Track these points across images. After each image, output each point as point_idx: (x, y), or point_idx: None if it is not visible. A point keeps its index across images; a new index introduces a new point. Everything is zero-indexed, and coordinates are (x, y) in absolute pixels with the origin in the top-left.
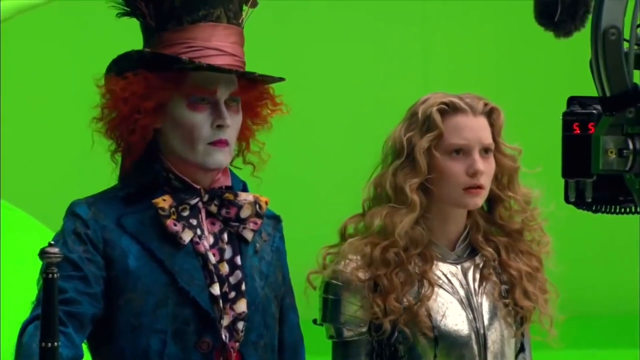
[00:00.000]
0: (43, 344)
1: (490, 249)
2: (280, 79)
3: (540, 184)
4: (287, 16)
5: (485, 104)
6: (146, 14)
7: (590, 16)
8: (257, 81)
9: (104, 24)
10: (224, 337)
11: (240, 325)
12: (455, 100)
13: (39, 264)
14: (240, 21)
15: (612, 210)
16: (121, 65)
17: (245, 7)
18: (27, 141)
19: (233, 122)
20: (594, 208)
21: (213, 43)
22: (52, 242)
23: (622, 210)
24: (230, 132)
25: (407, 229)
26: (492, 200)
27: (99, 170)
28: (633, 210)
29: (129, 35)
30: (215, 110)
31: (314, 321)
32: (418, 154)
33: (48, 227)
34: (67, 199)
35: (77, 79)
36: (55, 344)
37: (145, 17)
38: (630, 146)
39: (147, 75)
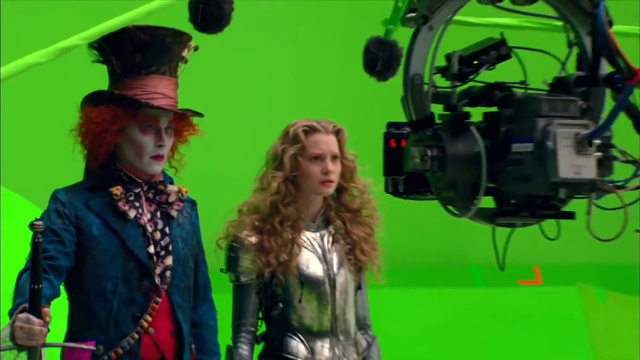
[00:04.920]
0: (32, 286)
1: (339, 221)
2: (199, 114)
3: (373, 177)
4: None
5: (334, 126)
6: (115, 64)
7: (400, 67)
8: (185, 116)
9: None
10: (157, 281)
11: (168, 273)
12: (315, 124)
13: (16, 234)
14: (177, 74)
15: (417, 198)
16: (95, 98)
17: (180, 65)
18: (27, 137)
19: (168, 142)
20: (405, 196)
21: (159, 90)
22: (39, 218)
23: (424, 197)
24: (166, 149)
25: (270, 206)
26: (340, 189)
27: (78, 164)
28: (430, 197)
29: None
30: (158, 134)
31: (221, 270)
32: (285, 159)
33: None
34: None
35: (73, 83)
36: (40, 286)
37: (113, 67)
38: (429, 154)
39: (114, 108)
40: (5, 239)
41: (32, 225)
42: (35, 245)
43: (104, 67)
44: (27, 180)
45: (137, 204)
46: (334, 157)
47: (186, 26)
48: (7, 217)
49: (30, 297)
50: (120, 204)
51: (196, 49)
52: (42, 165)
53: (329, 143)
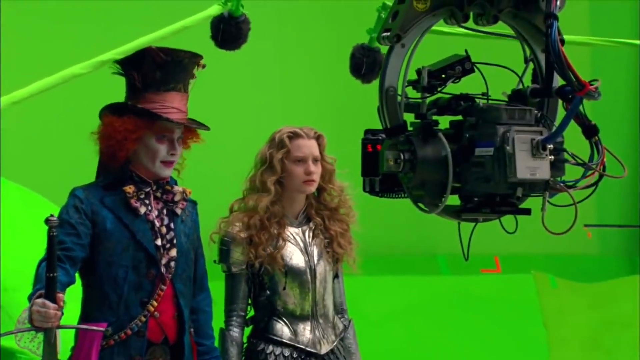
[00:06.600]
0: (48, 274)
1: (319, 218)
2: (207, 128)
3: (351, 179)
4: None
5: (315, 132)
6: (136, 79)
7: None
8: (192, 127)
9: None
10: (162, 270)
11: (172, 264)
12: (298, 130)
13: (36, 228)
14: (188, 90)
15: (391, 196)
16: (116, 108)
17: (190, 81)
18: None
19: (179, 151)
20: (380, 195)
21: (175, 105)
22: (54, 215)
23: (397, 196)
24: (177, 157)
25: (266, 206)
26: (320, 190)
27: (83, 159)
28: (403, 196)
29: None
30: (171, 144)
31: (215, 261)
32: (275, 162)
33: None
34: (62, 178)
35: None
36: (55, 274)
37: (134, 80)
38: (402, 157)
39: (135, 118)
40: (5, 227)
41: (47, 221)
42: (50, 238)
43: (99, 70)
44: (31, 173)
45: (147, 202)
46: (315, 160)
47: (205, 43)
48: (7, 209)
49: (46, 284)
50: (132, 201)
51: (203, 67)
52: (47, 160)
53: (310, 147)
